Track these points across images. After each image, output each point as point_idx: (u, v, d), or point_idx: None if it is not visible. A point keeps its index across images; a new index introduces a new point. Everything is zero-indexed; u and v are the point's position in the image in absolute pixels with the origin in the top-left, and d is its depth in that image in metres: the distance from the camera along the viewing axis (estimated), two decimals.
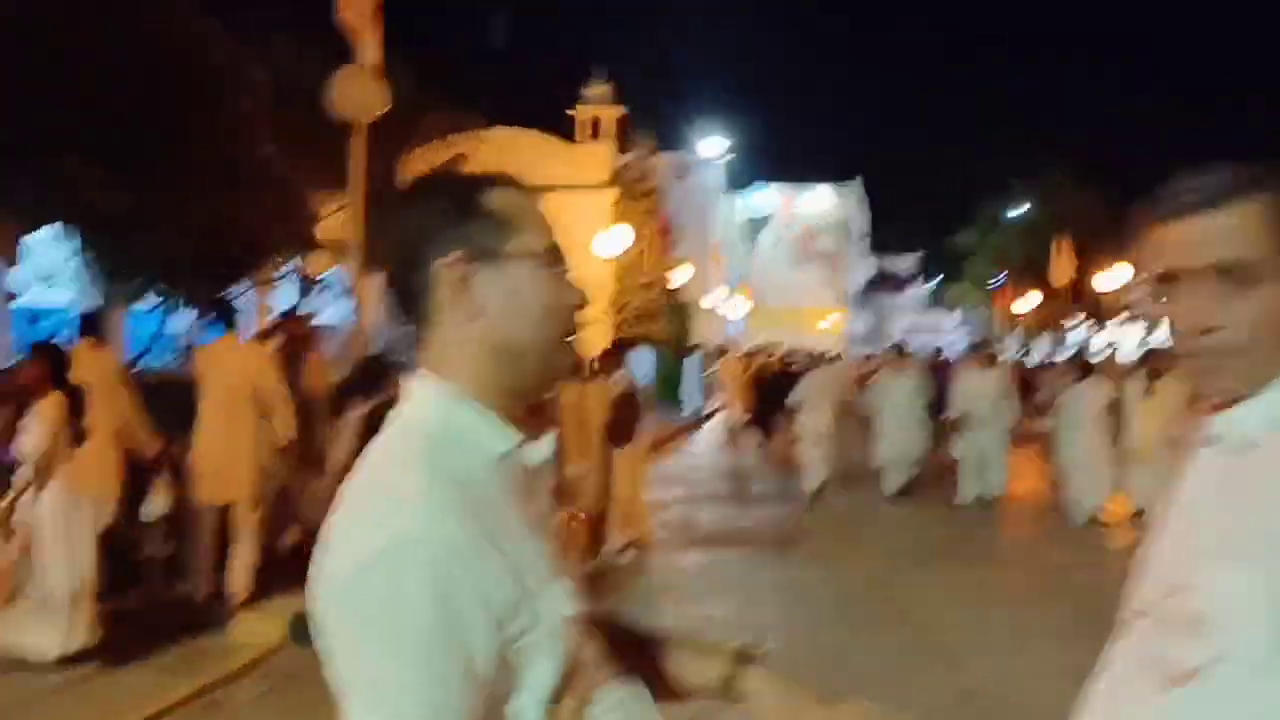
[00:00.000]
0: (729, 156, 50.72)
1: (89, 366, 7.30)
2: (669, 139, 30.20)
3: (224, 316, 7.60)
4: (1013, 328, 43.38)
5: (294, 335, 8.60)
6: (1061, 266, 32.12)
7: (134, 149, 11.10)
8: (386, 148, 18.40)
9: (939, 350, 26.19)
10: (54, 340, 8.93)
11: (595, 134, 23.11)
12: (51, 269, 14.47)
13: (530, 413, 1.39)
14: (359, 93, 9.43)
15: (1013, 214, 52.85)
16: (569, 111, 23.40)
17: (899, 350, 17.41)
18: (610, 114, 23.19)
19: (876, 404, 14.99)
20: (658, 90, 62.96)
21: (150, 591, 7.53)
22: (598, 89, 23.26)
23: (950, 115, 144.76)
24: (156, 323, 14.43)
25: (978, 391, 13.93)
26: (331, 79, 9.53)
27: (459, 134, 21.26)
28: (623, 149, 23.56)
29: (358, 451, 1.41)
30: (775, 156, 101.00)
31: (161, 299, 13.59)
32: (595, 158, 22.72)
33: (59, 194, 11.25)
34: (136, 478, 7.41)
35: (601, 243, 20.59)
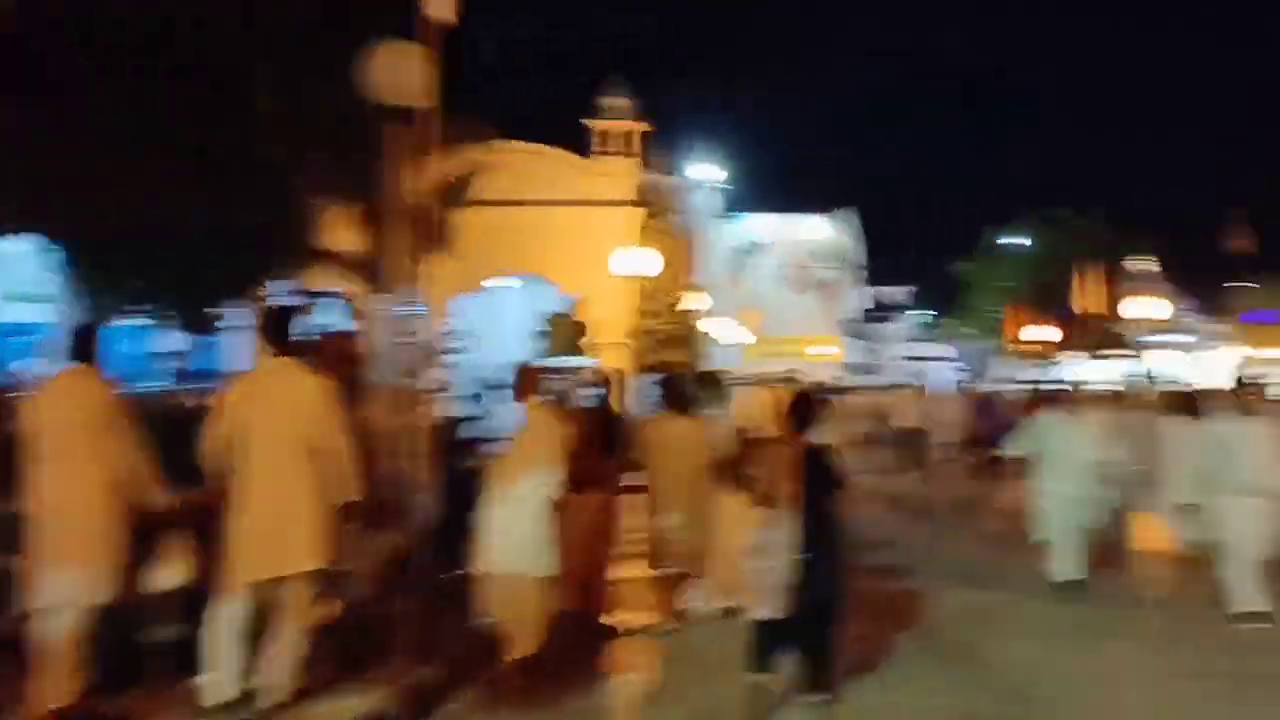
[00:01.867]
0: (722, 184, 49.70)
1: (78, 398, 5.67)
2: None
3: (276, 333, 5.82)
4: (1023, 358, 42.47)
5: (343, 357, 6.94)
6: (1083, 296, 30.96)
7: (134, 151, 9.66)
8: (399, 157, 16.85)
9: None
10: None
11: (609, 149, 21.58)
12: (27, 283, 12.91)
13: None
14: (403, 71, 7.65)
15: (1015, 245, 52.30)
16: (586, 122, 21.85)
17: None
18: (633, 128, 21.68)
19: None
20: (652, 115, 61.37)
21: (156, 686, 5.86)
22: (616, 102, 21.75)
23: (946, 150, 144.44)
24: (139, 342, 12.84)
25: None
26: (369, 56, 7.80)
27: (473, 145, 19.81)
28: (644, 166, 22.12)
29: None
30: (767, 185, 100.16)
31: (149, 317, 12.05)
32: (617, 174, 21.25)
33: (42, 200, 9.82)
34: (144, 538, 5.74)
35: (625, 262, 19.09)
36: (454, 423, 11.90)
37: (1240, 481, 8.30)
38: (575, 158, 21.36)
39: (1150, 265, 50.38)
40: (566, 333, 26.12)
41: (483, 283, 21.77)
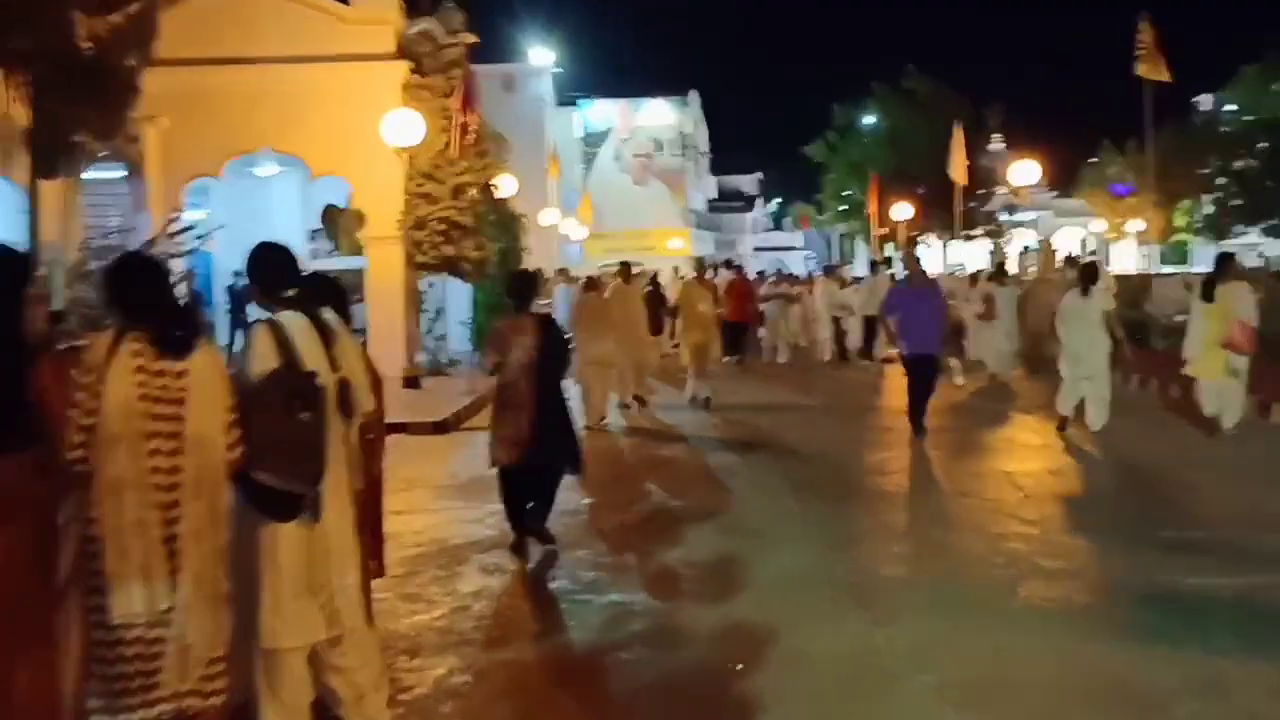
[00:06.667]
0: (556, 69, 45.38)
1: None
2: (493, 49, 24.54)
3: None
4: (890, 240, 39.58)
5: None
6: (946, 171, 27.95)
7: None
8: None
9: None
10: None
11: None
12: None
13: None
14: None
15: (868, 122, 48.90)
16: None
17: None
18: None
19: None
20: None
21: None
22: None
23: (787, 28, 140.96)
24: None
25: None
26: None
27: None
28: (412, 12, 17.75)
29: None
30: (604, 69, 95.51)
31: None
32: (375, 19, 16.85)
33: None
34: None
35: (389, 131, 14.92)
36: None
37: None
38: None
39: (1005, 138, 47.85)
40: (348, 226, 21.83)
41: (226, 163, 17.27)
